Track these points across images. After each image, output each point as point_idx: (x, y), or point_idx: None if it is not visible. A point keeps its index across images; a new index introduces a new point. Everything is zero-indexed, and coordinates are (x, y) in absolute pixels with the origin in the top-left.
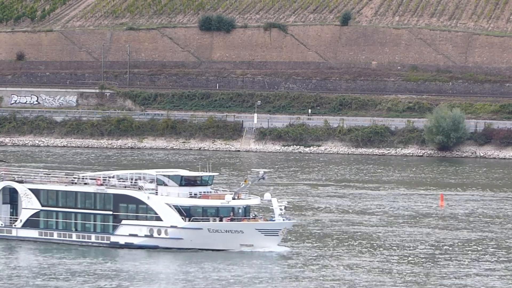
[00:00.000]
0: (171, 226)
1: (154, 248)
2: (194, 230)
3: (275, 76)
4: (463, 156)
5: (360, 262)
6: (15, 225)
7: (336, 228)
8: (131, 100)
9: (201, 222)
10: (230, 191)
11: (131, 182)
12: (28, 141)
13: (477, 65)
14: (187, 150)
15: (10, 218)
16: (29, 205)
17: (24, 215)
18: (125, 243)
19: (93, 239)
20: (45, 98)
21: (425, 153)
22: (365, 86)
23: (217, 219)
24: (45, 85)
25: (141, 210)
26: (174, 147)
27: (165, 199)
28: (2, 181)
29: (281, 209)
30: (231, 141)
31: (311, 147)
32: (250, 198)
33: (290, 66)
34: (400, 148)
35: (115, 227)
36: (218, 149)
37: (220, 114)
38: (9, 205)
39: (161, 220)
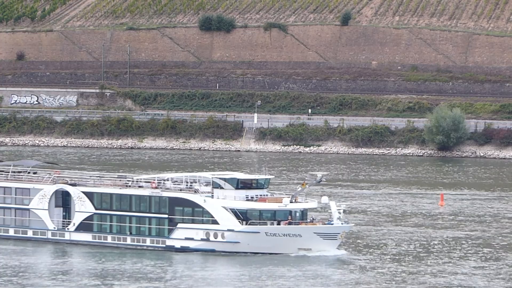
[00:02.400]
0: (228, 230)
1: (211, 251)
2: (252, 234)
3: (275, 76)
4: (463, 156)
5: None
6: (68, 229)
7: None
8: (131, 100)
9: (258, 226)
10: (287, 194)
11: (186, 185)
12: (28, 141)
13: (477, 65)
14: (187, 150)
15: (63, 221)
16: (82, 208)
17: (77, 218)
18: (181, 246)
19: (148, 242)
20: (45, 98)
21: (425, 153)
22: (365, 86)
23: (275, 222)
24: (45, 85)
25: (197, 214)
26: (174, 147)
27: (222, 203)
28: (55, 184)
29: (339, 213)
30: (231, 141)
31: (311, 147)
32: (307, 202)
33: (290, 66)
34: (400, 148)
35: (170, 231)
36: (218, 149)
37: (220, 114)
38: (61, 208)
39: (217, 223)
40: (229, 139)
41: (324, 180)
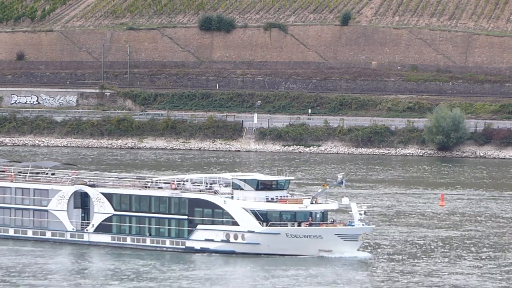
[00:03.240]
0: (248, 231)
1: (231, 253)
2: (272, 235)
3: (275, 76)
4: (463, 156)
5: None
6: (86, 230)
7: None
8: (131, 100)
9: (279, 227)
10: (307, 195)
11: (206, 186)
12: (28, 141)
13: (477, 65)
14: (187, 150)
15: (82, 222)
16: (101, 209)
17: (96, 219)
18: (201, 248)
19: (167, 244)
20: (45, 98)
21: (425, 153)
22: (365, 86)
23: (295, 224)
24: (45, 85)
25: (217, 215)
26: (174, 147)
27: (242, 204)
28: (74, 185)
29: (360, 214)
30: (231, 141)
31: (311, 147)
32: (328, 203)
33: (290, 66)
34: (400, 148)
35: (190, 232)
36: (218, 149)
37: (220, 114)
38: (80, 209)
39: (237, 225)
40: (229, 139)
41: (345, 181)
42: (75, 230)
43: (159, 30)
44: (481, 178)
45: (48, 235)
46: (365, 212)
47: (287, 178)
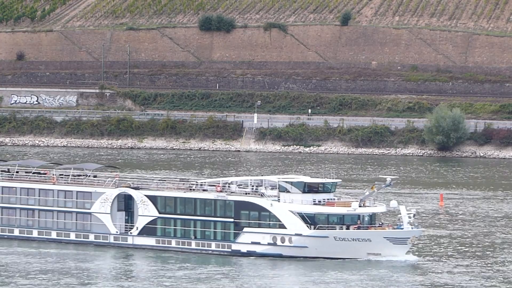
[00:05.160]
0: (296, 234)
1: (278, 256)
2: (320, 238)
3: (275, 76)
4: (463, 156)
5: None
6: (131, 233)
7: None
8: (131, 100)
9: (327, 230)
10: (354, 198)
11: (252, 188)
12: (28, 141)
13: (477, 65)
14: (187, 150)
15: (125, 225)
16: (146, 212)
17: (140, 222)
18: (247, 251)
19: (213, 247)
20: (45, 98)
21: (425, 153)
22: (365, 86)
23: (343, 227)
24: (45, 85)
25: (263, 218)
26: (174, 147)
27: (289, 206)
28: (117, 187)
29: (409, 217)
30: (231, 141)
31: (311, 147)
32: (376, 206)
33: (290, 66)
34: (400, 148)
35: (236, 235)
36: (218, 149)
37: (220, 114)
38: (124, 212)
39: (284, 227)
40: (229, 139)
41: (393, 184)
42: (118, 233)
43: (159, 30)
44: (481, 178)
45: (91, 238)
46: (414, 215)
47: (334, 180)
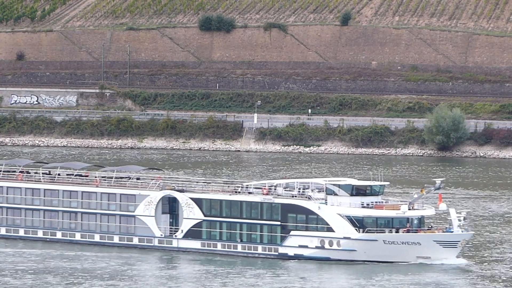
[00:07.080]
0: (344, 238)
1: (326, 260)
2: (369, 242)
3: (275, 76)
4: (463, 156)
5: None
6: (175, 236)
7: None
8: (131, 100)
9: (376, 234)
10: (403, 201)
11: (299, 191)
12: (28, 141)
13: (477, 65)
14: (187, 150)
15: (170, 228)
16: (191, 215)
17: (185, 225)
18: (295, 254)
19: (259, 250)
20: (45, 98)
21: (425, 153)
22: (365, 86)
23: (393, 230)
24: (45, 85)
25: (311, 221)
26: (174, 147)
27: (337, 209)
28: (162, 190)
29: (459, 220)
30: (231, 141)
31: (311, 147)
32: (425, 209)
33: (290, 66)
34: (400, 148)
35: (283, 238)
36: (218, 149)
37: (220, 114)
38: (168, 215)
39: (332, 231)
40: (229, 139)
41: (443, 186)
42: (163, 236)
43: (159, 30)
44: (481, 178)
45: (135, 241)
46: (464, 218)
47: (382, 183)
